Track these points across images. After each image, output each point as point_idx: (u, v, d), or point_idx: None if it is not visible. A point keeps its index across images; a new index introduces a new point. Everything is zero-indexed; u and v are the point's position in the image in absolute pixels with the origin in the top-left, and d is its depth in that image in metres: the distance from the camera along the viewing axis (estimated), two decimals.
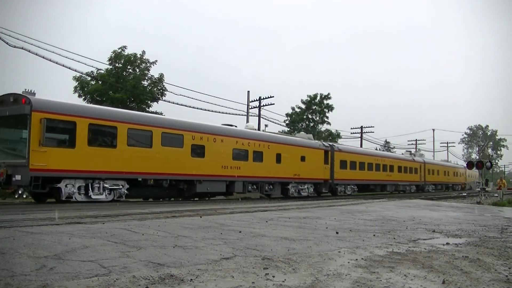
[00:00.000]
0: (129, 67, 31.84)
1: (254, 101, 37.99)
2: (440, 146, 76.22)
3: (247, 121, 35.49)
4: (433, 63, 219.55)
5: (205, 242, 5.90)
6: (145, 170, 16.36)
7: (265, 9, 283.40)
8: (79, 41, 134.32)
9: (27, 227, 6.65)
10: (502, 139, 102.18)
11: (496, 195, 29.81)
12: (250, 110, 36.89)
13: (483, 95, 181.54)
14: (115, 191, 15.45)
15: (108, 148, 15.45)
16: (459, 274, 4.51)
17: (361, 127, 52.48)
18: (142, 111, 26.26)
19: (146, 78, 32.30)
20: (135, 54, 31.69)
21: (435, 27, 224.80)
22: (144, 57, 32.00)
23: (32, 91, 13.84)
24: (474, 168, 28.00)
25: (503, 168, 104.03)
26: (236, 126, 22.23)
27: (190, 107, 32.42)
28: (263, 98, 38.17)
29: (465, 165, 50.79)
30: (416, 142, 67.49)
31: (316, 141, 28.50)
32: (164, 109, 60.68)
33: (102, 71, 30.16)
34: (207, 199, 20.22)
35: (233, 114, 35.26)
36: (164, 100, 32.11)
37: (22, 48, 21.79)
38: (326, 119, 49.60)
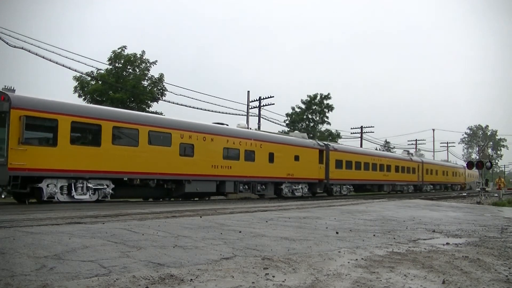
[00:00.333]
0: (129, 67, 31.84)
1: (254, 101, 38.04)
2: (440, 146, 76.35)
3: (247, 121, 35.54)
4: (433, 63, 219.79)
5: (205, 242, 5.90)
6: (131, 170, 15.94)
7: (265, 9, 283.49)
8: (79, 41, 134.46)
9: (27, 227, 6.65)
10: (502, 139, 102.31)
11: (496, 195, 29.80)
12: (250, 110, 36.93)
13: (483, 95, 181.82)
14: (100, 191, 15.02)
15: (92, 146, 14.98)
16: (459, 274, 4.51)
17: (361, 127, 52.49)
18: (142, 111, 26.25)
19: (146, 78, 32.32)
20: (135, 54, 31.70)
21: (435, 27, 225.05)
22: (144, 57, 32.03)
23: (12, 88, 13.40)
24: (474, 168, 27.95)
25: (503, 168, 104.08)
26: (227, 125, 21.76)
27: (190, 107, 32.40)
28: (263, 98, 38.21)
29: (465, 165, 50.80)
30: (416, 142, 67.59)
31: (311, 140, 28.00)
32: (164, 109, 60.64)
33: (102, 71, 30.17)
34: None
35: (233, 114, 35.29)
36: (164, 100, 32.15)
37: (22, 48, 21.79)
38: (326, 119, 49.66)
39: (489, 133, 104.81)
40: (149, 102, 32.27)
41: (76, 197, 14.17)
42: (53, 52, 23.36)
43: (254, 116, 37.51)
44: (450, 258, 5.40)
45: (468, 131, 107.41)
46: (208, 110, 32.29)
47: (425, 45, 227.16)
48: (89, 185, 14.61)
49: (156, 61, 32.54)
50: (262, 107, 38.04)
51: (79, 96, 30.26)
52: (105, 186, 15.14)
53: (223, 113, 36.97)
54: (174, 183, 17.97)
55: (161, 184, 17.49)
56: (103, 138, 15.11)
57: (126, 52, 31.46)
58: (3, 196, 13.67)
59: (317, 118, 49.62)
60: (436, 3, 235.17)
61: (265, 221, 8.93)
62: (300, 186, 24.95)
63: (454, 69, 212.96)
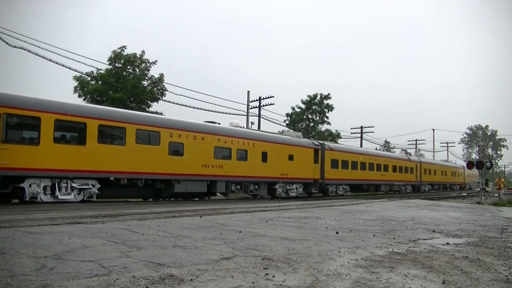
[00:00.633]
0: (129, 67, 31.87)
1: (254, 101, 38.05)
2: (440, 146, 76.40)
3: (247, 121, 35.56)
4: (433, 63, 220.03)
5: (205, 242, 5.90)
6: (118, 169, 15.59)
7: (265, 9, 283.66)
8: (79, 41, 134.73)
9: (27, 227, 6.65)
10: (502, 139, 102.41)
11: (496, 195, 29.80)
12: (250, 110, 36.94)
13: (483, 95, 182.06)
14: (85, 191, 14.71)
15: (76, 145, 14.66)
16: (459, 274, 4.51)
17: (361, 127, 52.49)
18: (142, 111, 26.24)
19: (146, 78, 32.34)
20: (135, 54, 31.73)
21: (435, 27, 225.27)
22: (144, 57, 32.07)
23: None
24: (474, 168, 27.93)
25: (503, 168, 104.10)
26: (219, 124, 21.26)
27: (190, 107, 32.43)
28: (263, 98, 38.21)
29: (465, 165, 50.74)
30: (416, 142, 67.60)
31: (306, 139, 27.44)
32: (164, 109, 60.71)
33: (102, 71, 30.18)
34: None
35: (233, 114, 35.30)
36: (164, 100, 32.17)
37: (22, 48, 21.78)
38: (326, 119, 49.74)
39: (489, 133, 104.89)
40: (149, 102, 32.30)
41: (60, 197, 13.86)
42: (53, 52, 23.37)
43: (254, 116, 37.56)
44: (450, 258, 5.39)
45: (468, 131, 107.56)
46: (208, 110, 32.32)
47: (425, 45, 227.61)
48: (74, 185, 14.30)
49: (156, 61, 32.62)
50: (262, 107, 38.06)
51: (79, 96, 30.35)
52: (91, 186, 14.81)
53: (223, 113, 37.04)
54: (163, 183, 17.66)
55: (149, 184, 17.19)
56: (89, 137, 14.75)
57: (126, 52, 31.52)
58: None
59: (317, 118, 49.68)
60: (436, 3, 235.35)
61: (265, 221, 8.93)
62: (294, 186, 24.59)
63: (454, 69, 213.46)
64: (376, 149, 54.77)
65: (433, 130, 68.00)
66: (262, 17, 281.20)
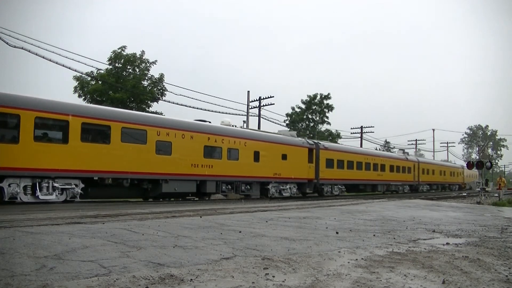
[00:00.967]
0: (129, 67, 31.88)
1: (254, 101, 38.05)
2: (440, 146, 76.40)
3: (247, 121, 35.58)
4: (433, 63, 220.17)
5: (205, 242, 5.90)
6: (102, 168, 15.11)
7: (265, 9, 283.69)
8: (79, 41, 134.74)
9: (27, 227, 6.65)
10: (502, 139, 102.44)
11: (496, 195, 29.79)
12: (250, 110, 36.95)
13: (483, 95, 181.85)
14: (68, 191, 14.28)
15: (58, 144, 14.19)
16: (459, 274, 4.51)
17: (361, 127, 52.48)
18: (142, 111, 26.24)
19: (146, 78, 32.35)
20: (135, 54, 31.74)
21: (435, 27, 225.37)
22: (143, 57, 32.08)
23: None
24: (474, 168, 27.91)
25: (503, 168, 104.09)
26: (210, 122, 20.72)
27: (190, 107, 32.46)
28: (263, 98, 38.22)
29: (464, 165, 50.67)
30: (416, 142, 67.60)
31: (300, 138, 26.87)
32: (164, 109, 60.71)
33: (102, 71, 30.19)
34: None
35: (233, 114, 35.35)
36: (164, 100, 32.19)
37: (22, 48, 21.80)
38: (326, 119, 49.75)
39: (489, 133, 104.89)
40: (149, 102, 32.32)
41: (41, 197, 13.46)
42: (53, 52, 23.38)
43: (254, 116, 37.58)
44: (450, 258, 5.39)
45: (468, 131, 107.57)
46: (208, 110, 32.34)
47: (425, 45, 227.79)
48: (56, 184, 13.89)
49: (156, 61, 32.65)
50: (262, 107, 38.07)
51: (79, 96, 30.37)
52: (74, 186, 14.40)
53: (223, 113, 37.07)
54: (150, 183, 17.20)
55: (136, 184, 16.76)
56: (71, 135, 14.32)
57: (126, 52, 31.52)
58: None
59: (317, 118, 49.69)
60: (436, 3, 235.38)
61: (265, 221, 8.93)
62: (288, 186, 24.18)
63: (454, 69, 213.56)
64: (376, 149, 54.72)
65: (433, 130, 68.08)
66: (262, 17, 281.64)
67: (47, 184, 13.73)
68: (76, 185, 14.53)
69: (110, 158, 15.35)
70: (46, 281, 3.63)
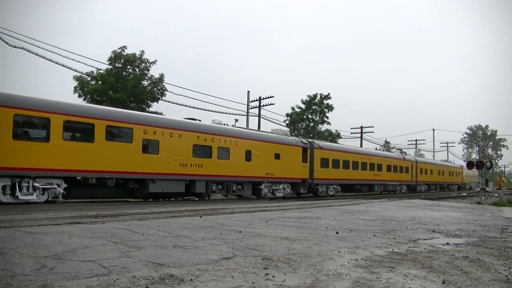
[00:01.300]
0: (128, 67, 31.88)
1: (254, 101, 38.05)
2: (440, 146, 76.42)
3: (247, 121, 35.59)
4: (433, 63, 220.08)
5: (205, 242, 5.90)
6: (85, 168, 14.64)
7: (266, 10, 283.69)
8: (79, 41, 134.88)
9: (27, 227, 6.65)
10: (502, 139, 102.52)
11: (496, 195, 29.76)
12: (250, 110, 36.95)
13: (483, 95, 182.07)
14: (50, 191, 13.89)
15: (38, 142, 13.73)
16: (459, 274, 4.51)
17: (361, 127, 52.51)
18: (142, 111, 26.22)
19: (146, 78, 32.36)
20: (135, 54, 31.74)
21: (435, 28, 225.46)
22: (143, 57, 32.08)
23: None
24: (474, 168, 27.89)
25: (503, 168, 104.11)
26: (200, 120, 20.29)
27: (190, 107, 32.49)
28: (263, 98, 38.22)
29: (464, 165, 50.61)
30: (416, 142, 67.58)
31: (293, 137, 26.42)
32: (164, 109, 60.70)
33: (102, 71, 30.20)
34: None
35: (233, 114, 35.38)
36: (164, 100, 32.19)
37: (22, 48, 21.82)
38: (326, 119, 49.74)
39: (489, 133, 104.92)
40: (149, 102, 32.32)
41: (20, 197, 13.06)
42: (53, 52, 23.43)
43: (254, 116, 37.58)
44: (450, 258, 5.39)
45: (468, 131, 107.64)
46: (208, 110, 32.35)
47: (425, 46, 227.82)
48: (36, 184, 13.47)
49: (155, 61, 32.66)
50: (262, 107, 38.08)
51: (79, 96, 30.37)
52: (55, 186, 13.98)
53: (223, 113, 37.06)
54: (136, 183, 16.75)
55: (122, 184, 16.35)
56: (53, 134, 13.88)
57: (126, 52, 31.52)
58: None
59: (317, 118, 49.67)
60: (437, 3, 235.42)
61: (265, 221, 8.93)
62: (281, 186, 23.75)
63: (454, 69, 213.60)
64: (376, 149, 54.70)
65: (433, 130, 68.08)
66: (262, 18, 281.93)
67: (27, 184, 13.32)
68: (58, 185, 14.12)
69: (94, 157, 14.91)
70: (46, 281, 3.62)
